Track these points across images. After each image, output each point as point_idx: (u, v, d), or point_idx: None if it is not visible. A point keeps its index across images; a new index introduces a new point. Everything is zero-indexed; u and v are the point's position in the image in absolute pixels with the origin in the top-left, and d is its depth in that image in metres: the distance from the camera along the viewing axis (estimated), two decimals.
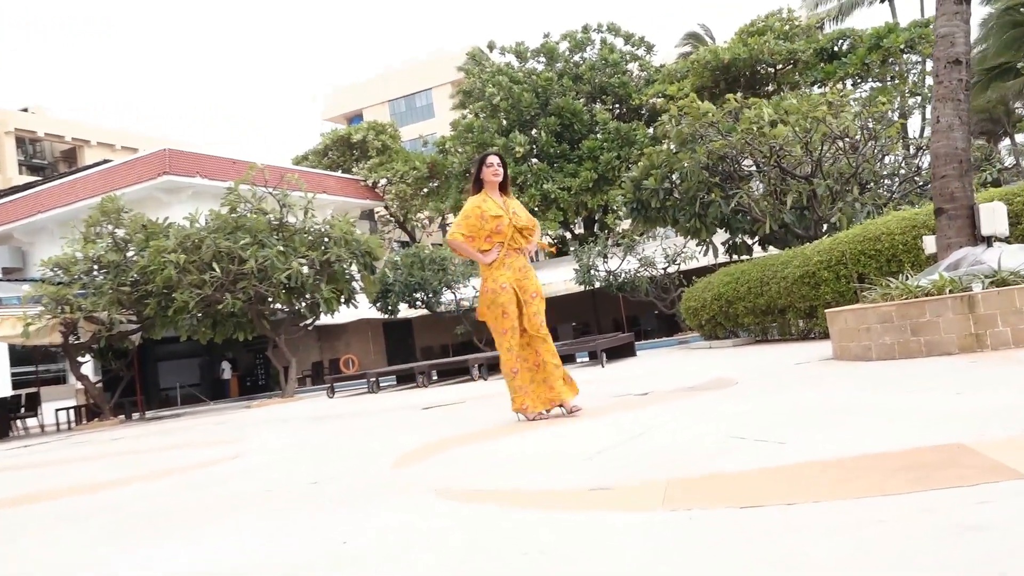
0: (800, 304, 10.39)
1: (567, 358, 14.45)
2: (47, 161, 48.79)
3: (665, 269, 21.08)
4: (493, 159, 5.23)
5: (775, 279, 10.89)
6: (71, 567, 2.63)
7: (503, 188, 5.30)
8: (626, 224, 31.61)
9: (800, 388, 5.09)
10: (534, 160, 28.95)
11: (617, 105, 30.37)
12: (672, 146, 15.82)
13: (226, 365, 27.60)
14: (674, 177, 15.31)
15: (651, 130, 28.44)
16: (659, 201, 15.30)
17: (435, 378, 15.09)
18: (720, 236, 16.70)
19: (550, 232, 31.66)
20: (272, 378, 26.90)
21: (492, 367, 13.40)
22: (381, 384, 14.95)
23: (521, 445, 4.16)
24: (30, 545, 3.15)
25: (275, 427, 8.84)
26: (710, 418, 4.19)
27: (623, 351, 13.93)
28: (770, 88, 26.25)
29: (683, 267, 20.96)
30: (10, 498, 5.05)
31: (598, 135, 28.73)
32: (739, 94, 15.47)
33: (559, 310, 28.37)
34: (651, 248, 22.17)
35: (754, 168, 15.34)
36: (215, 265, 15.29)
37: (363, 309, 21.52)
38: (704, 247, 16.52)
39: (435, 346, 29.77)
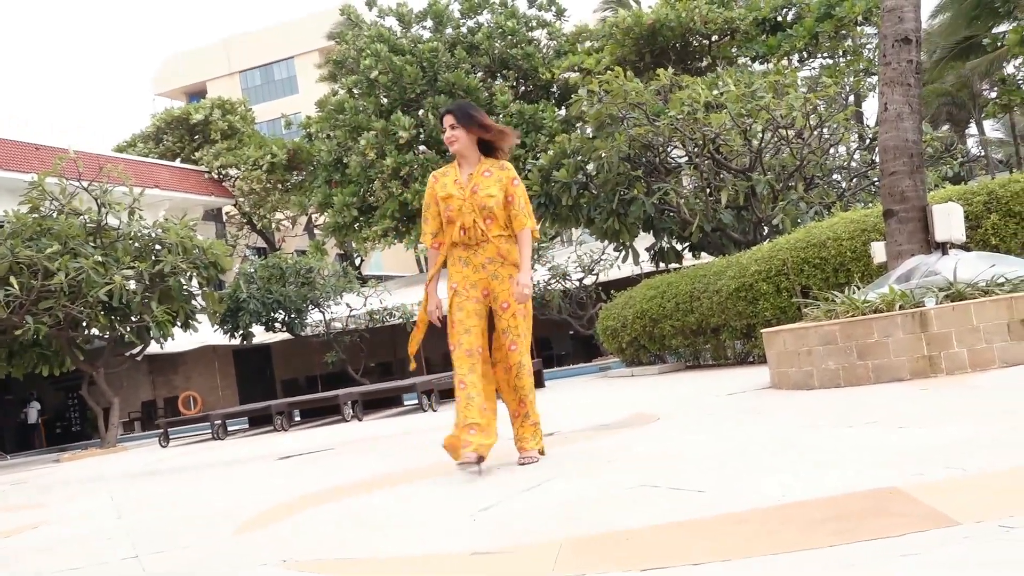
0: (736, 323, 10.75)
1: (450, 391, 14.53)
2: None
3: (580, 280, 21.45)
4: (446, 118, 4.77)
5: (707, 293, 11.24)
6: None
7: (489, 152, 4.82)
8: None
9: (729, 424, 5.30)
10: (422, 148, 29.02)
11: (521, 82, 30.74)
12: (589, 130, 16.14)
13: (33, 406, 26.55)
14: (590, 168, 15.63)
15: (562, 111, 28.88)
16: (571, 197, 15.60)
17: (298, 419, 14.92)
18: (644, 240, 17.11)
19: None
20: (89, 423, 25.96)
21: (368, 404, 13.36)
22: (229, 428, 14.68)
23: (394, 501, 4.20)
24: None
25: (90, 486, 8.58)
26: (622, 463, 4.32)
27: None
28: (703, 63, 27.08)
29: (602, 278, 21.37)
30: None
31: (499, 118, 29.01)
32: (670, 70, 15.92)
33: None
34: (563, 255, 22.53)
35: (684, 159, 15.82)
36: (12, 280, 14.74)
37: (206, 333, 21.05)
38: (624, 253, 16.90)
39: (300, 378, 29.44)
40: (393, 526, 3.54)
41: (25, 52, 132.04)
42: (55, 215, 16.32)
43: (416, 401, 13.46)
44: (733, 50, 26.44)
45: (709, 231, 14.49)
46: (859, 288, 7.36)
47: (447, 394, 14.08)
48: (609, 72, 15.31)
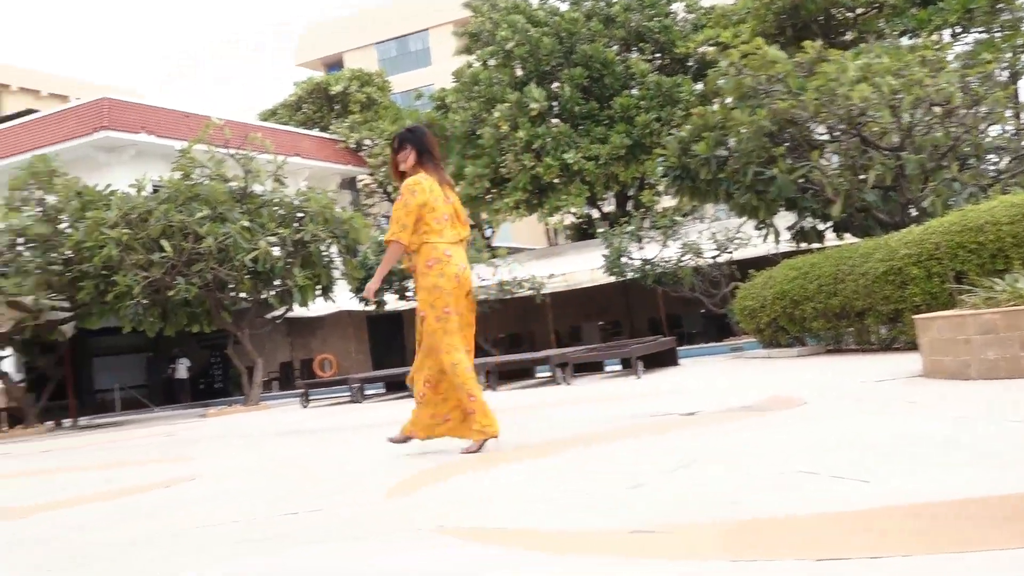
0: (882, 307, 10.41)
1: (593, 365, 14.54)
2: None
3: (715, 258, 21.06)
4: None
5: (852, 275, 10.91)
6: None
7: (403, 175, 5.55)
8: (666, 202, 31.60)
9: (883, 412, 5.13)
10: (554, 121, 28.94)
11: (658, 55, 30.31)
12: (728, 101, 15.75)
13: (182, 363, 27.75)
14: (730, 142, 15.28)
15: (699, 86, 28.36)
16: (710, 172, 15.30)
17: None
18: (784, 218, 16.70)
19: (573, 210, 31.66)
20: (231, 381, 27.05)
21: (502, 375, 13.48)
22: (367, 392, 15.05)
23: (538, 474, 4.21)
24: None
25: (238, 443, 8.93)
26: (773, 447, 4.24)
27: (663, 359, 13.98)
28: (848, 37, 26.13)
29: (736, 256, 20.93)
30: None
31: (634, 91, 28.69)
32: (818, 42, 15.37)
33: (583, 305, 28.44)
34: (697, 232, 22.15)
35: (827, 136, 15.31)
36: (165, 243, 15.39)
37: (342, 299, 21.59)
38: (764, 231, 16.51)
39: None
40: (540, 499, 3.55)
41: (180, 23, 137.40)
42: (204, 181, 16.92)
43: (549, 373, 13.53)
44: (880, 23, 25.41)
45: (853, 212, 14.01)
46: (1022, 276, 7.00)
47: (581, 368, 14.13)
48: (748, 44, 14.92)
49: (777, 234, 16.35)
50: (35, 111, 32.57)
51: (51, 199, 17.38)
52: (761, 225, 16.33)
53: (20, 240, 17.10)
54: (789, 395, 6.69)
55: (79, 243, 16.06)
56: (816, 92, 13.61)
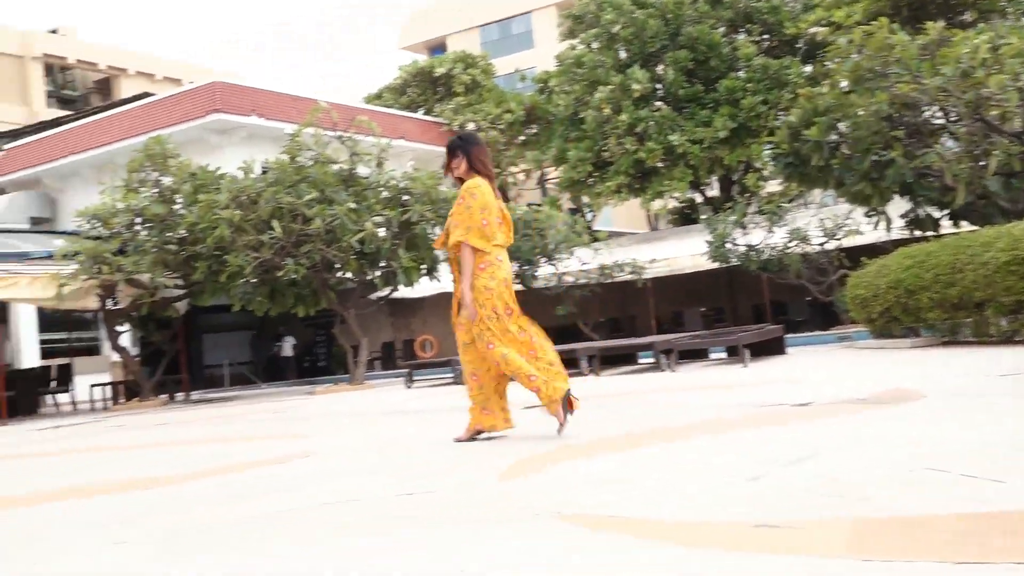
0: (1004, 298, 10.03)
1: (697, 352, 14.38)
2: (79, 93, 51.06)
3: (822, 245, 20.59)
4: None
5: (971, 265, 10.53)
6: None
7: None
8: (772, 187, 30.99)
9: (1010, 408, 4.94)
10: (657, 104, 28.62)
11: (766, 36, 29.69)
12: (843, 84, 15.32)
13: (288, 341, 28.43)
14: (842, 127, 14.87)
15: (808, 68, 27.67)
16: (822, 157, 14.93)
17: None
18: (898, 206, 16.22)
19: (676, 194, 31.29)
20: (335, 359, 27.60)
21: (605, 359, 13.43)
22: None
23: (649, 462, 4.19)
24: (57, 558, 3.36)
25: (346, 421, 9.11)
26: (896, 441, 4.12)
27: (769, 347, 13.74)
28: (966, 17, 25.16)
29: (845, 243, 20.43)
30: (45, 492, 5.39)
31: (740, 73, 28.16)
32: (940, 23, 14.83)
33: (685, 291, 28.13)
34: (804, 218, 21.68)
35: (944, 120, 14.78)
36: (276, 224, 15.72)
37: (445, 280, 21.78)
38: (874, 218, 16.06)
39: None
40: (658, 488, 3.52)
41: (282, 6, 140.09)
42: (311, 164, 17.24)
43: (652, 359, 13.43)
44: (1002, 2, 24.38)
45: (974, 198, 13.52)
46: None
47: (685, 355, 13.97)
48: (868, 25, 14.47)
49: (889, 222, 15.90)
50: (151, 94, 33.65)
51: (166, 181, 17.96)
52: (872, 212, 15.90)
53: (138, 220, 17.73)
54: (904, 387, 6.50)
55: (193, 224, 16.56)
56: (942, 77, 13.11)
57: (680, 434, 5.13)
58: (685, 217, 35.81)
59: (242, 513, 3.85)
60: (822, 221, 20.60)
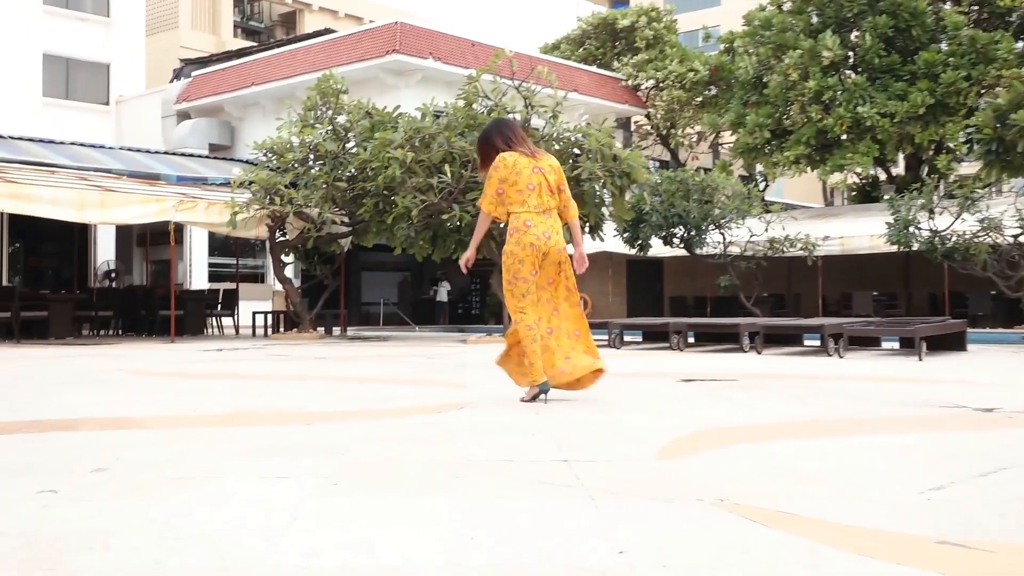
0: None
1: (867, 339, 13.86)
2: (264, 25, 53.05)
3: (1016, 237, 19.41)
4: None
5: None
6: (300, 530, 2.89)
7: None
8: (966, 169, 29.36)
9: None
10: (848, 72, 27.43)
11: (975, 7, 27.96)
12: None
13: (444, 286, 29.01)
14: None
15: (1021, 45, 25.94)
16: None
17: (691, 340, 14.99)
18: None
19: (858, 170, 30.09)
20: (488, 308, 28.00)
21: (769, 338, 13.09)
22: (625, 339, 15.11)
23: (816, 455, 4.04)
24: (241, 488, 3.49)
25: (501, 373, 9.19)
26: None
27: (948, 342, 13.09)
28: None
29: None
30: (213, 415, 5.67)
31: (943, 45, 26.65)
32: None
33: (856, 272, 27.13)
34: (999, 206, 20.47)
35: None
36: (447, 168, 15.90)
37: (607, 240, 21.68)
38: None
39: (688, 297, 29.55)
40: (827, 484, 3.39)
41: None
42: (485, 112, 17.32)
43: (817, 342, 13.02)
44: None
45: None
46: None
47: (854, 341, 13.45)
48: None
49: None
50: (333, 31, 34.57)
51: (341, 119, 18.44)
52: None
53: (312, 156, 18.31)
54: None
55: (365, 162, 16.95)
56: None
57: (856, 428, 4.95)
58: (865, 194, 34.33)
59: (401, 456, 3.93)
60: (1019, 211, 19.42)
